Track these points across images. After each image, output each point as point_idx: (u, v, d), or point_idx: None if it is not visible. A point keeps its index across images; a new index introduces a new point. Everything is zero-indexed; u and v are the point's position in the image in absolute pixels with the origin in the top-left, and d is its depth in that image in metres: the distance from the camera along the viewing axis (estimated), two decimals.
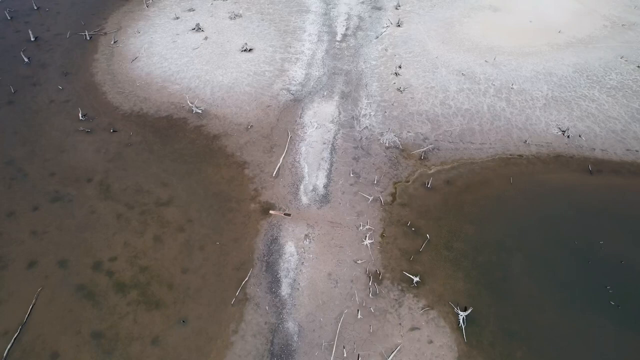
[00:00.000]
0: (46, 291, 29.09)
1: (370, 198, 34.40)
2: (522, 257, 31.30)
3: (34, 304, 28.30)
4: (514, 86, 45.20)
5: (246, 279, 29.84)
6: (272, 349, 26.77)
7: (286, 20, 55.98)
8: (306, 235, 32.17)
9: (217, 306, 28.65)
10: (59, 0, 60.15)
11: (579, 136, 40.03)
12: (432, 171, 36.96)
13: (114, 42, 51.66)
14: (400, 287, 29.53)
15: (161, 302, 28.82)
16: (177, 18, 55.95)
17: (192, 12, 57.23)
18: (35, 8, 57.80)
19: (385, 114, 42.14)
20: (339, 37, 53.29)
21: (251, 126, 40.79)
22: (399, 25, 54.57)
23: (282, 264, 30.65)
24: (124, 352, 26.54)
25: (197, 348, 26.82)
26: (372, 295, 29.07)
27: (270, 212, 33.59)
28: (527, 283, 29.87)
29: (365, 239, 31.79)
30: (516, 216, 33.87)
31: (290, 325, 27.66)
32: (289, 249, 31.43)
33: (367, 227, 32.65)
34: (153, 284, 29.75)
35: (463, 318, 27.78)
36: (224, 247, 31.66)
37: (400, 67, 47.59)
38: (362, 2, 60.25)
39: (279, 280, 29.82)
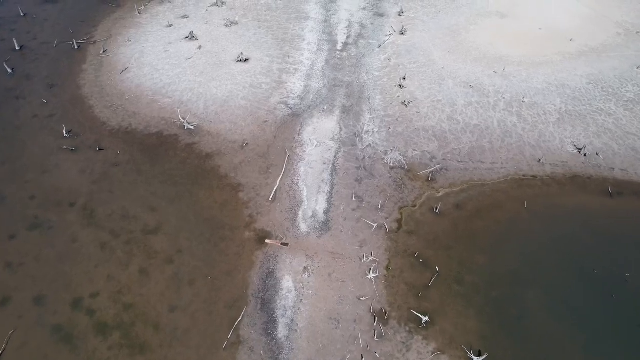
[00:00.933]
0: (19, 333, 26.53)
1: (375, 225, 31.87)
2: (540, 292, 28.78)
3: (4, 349, 25.73)
4: (525, 99, 42.68)
5: (239, 318, 27.32)
6: None
7: (284, 28, 53.41)
8: (305, 268, 29.64)
9: (208, 350, 26.13)
10: (47, 7, 57.51)
11: (597, 154, 37.50)
12: (440, 194, 34.43)
13: (104, 52, 49.08)
14: (408, 328, 27.01)
15: (146, 346, 26.29)
16: (170, 26, 53.38)
17: (186, 20, 54.66)
18: (22, 15, 55.19)
19: (390, 130, 39.59)
20: (339, 46, 50.72)
21: (246, 144, 38.25)
22: (402, 33, 52.02)
23: (278, 301, 28.12)
24: None
25: None
26: (377, 337, 26.56)
27: (267, 241, 31.06)
28: (546, 322, 27.35)
29: (370, 273, 29.26)
30: (531, 244, 31.35)
31: None
32: (287, 284, 28.90)
33: (371, 258, 30.12)
34: (137, 325, 27.21)
35: None
36: (215, 282, 29.13)
37: (404, 78, 45.05)
38: (364, 9, 57.67)
39: (276, 320, 27.29)
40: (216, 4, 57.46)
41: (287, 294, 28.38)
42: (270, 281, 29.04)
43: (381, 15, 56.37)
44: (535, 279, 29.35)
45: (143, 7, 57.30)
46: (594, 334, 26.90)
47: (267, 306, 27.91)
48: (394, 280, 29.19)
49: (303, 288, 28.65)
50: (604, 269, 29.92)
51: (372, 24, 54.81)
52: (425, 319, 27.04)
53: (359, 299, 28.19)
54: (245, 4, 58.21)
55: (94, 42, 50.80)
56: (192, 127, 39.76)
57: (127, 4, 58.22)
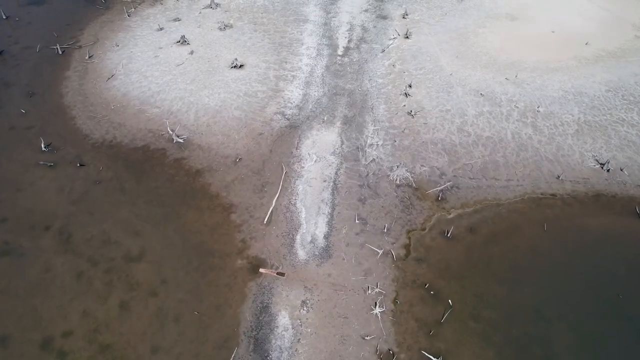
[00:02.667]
0: None
1: (380, 251, 28.83)
2: (566, 329, 25.75)
3: None
4: (540, 109, 39.65)
5: None
6: None
7: (282, 32, 50.35)
8: (303, 302, 26.60)
9: None
10: (32, 9, 54.46)
11: (621, 170, 34.47)
12: (451, 216, 31.39)
13: (89, 57, 46.04)
14: None
15: None
16: (161, 29, 50.33)
17: (177, 23, 51.60)
18: (4, 17, 52.17)
19: (395, 143, 36.54)
20: (340, 51, 47.66)
21: (240, 159, 35.20)
22: (407, 37, 48.96)
23: (273, 341, 25.07)
24: None
25: None
26: None
27: (261, 270, 28.03)
28: None
29: (375, 307, 26.22)
30: (554, 273, 28.32)
31: None
32: (283, 320, 25.85)
33: (377, 290, 27.08)
34: None
35: None
36: (203, 318, 26.07)
37: (410, 86, 42.01)
38: (366, 11, 54.61)
39: None
40: (210, 6, 54.43)
41: (283, 333, 25.33)
42: (264, 317, 26.00)
43: (384, 18, 53.31)
44: (560, 314, 26.32)
45: (133, 9, 54.26)
46: None
47: (260, 347, 24.87)
48: (402, 316, 26.15)
49: (301, 325, 25.61)
50: (636, 301, 26.89)
51: (374, 27, 51.74)
52: None
53: (363, 339, 25.15)
54: (240, 5, 55.17)
55: (80, 47, 47.74)
56: (181, 140, 36.73)
57: (116, 6, 55.18)
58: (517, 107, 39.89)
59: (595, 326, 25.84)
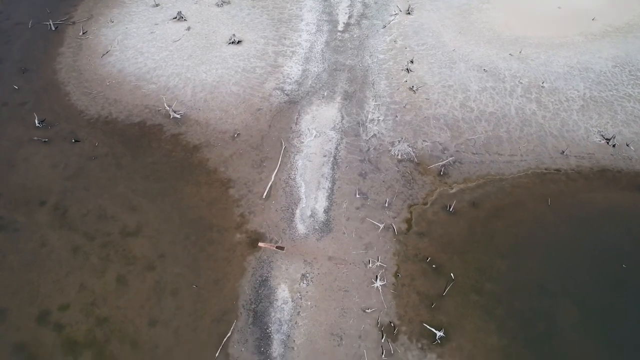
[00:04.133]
0: None
1: (381, 226, 28.33)
2: (570, 304, 25.37)
3: None
4: (544, 84, 38.78)
5: (228, 334, 23.95)
6: None
7: (280, 7, 49.17)
8: (303, 275, 26.18)
9: None
10: None
11: (627, 145, 33.79)
12: (454, 190, 30.82)
13: (83, 33, 44.98)
14: (420, 345, 23.65)
15: None
16: (157, 5, 49.13)
17: None
18: None
19: (397, 118, 35.80)
20: (340, 27, 46.57)
21: (238, 134, 34.50)
22: (409, 13, 47.82)
23: (273, 314, 24.71)
24: None
25: None
26: (385, 356, 23.22)
27: (260, 244, 27.55)
28: (580, 340, 23.98)
29: (376, 280, 25.81)
30: (558, 248, 27.86)
31: None
32: (282, 293, 25.46)
33: (378, 264, 26.65)
34: (113, 342, 23.85)
35: None
36: (202, 292, 25.69)
37: (412, 61, 41.08)
38: None
39: (270, 336, 23.91)
40: None
41: (282, 306, 24.96)
42: (263, 291, 25.60)
43: None
44: (564, 288, 25.92)
45: None
46: (635, 353, 23.56)
47: (259, 320, 24.52)
48: (403, 289, 25.75)
49: (301, 299, 25.22)
50: None
51: (375, 2, 50.51)
52: (439, 334, 23.68)
53: (364, 311, 24.79)
54: None
55: (73, 23, 46.61)
56: (178, 116, 35.99)
57: None
58: (521, 83, 39.03)
59: (600, 300, 25.46)
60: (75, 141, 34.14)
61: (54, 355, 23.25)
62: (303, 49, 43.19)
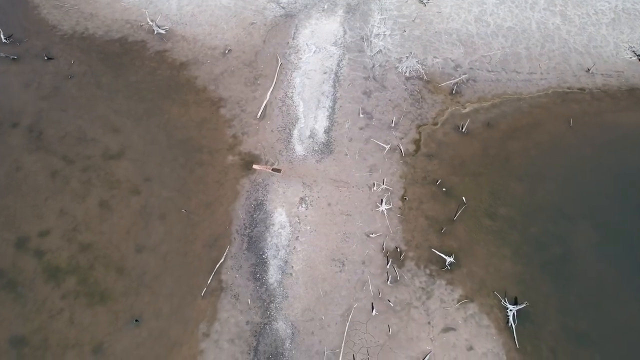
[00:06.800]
0: None
1: (387, 147, 25.86)
2: (590, 228, 23.50)
3: None
4: None
5: (221, 260, 22.24)
6: (256, 359, 19.76)
7: None
8: (302, 198, 24.08)
9: (182, 299, 21.34)
10: None
11: None
12: (467, 110, 28.05)
13: None
14: (428, 271, 22.01)
15: (107, 294, 21.46)
16: None
17: None
18: None
19: (404, 33, 32.19)
20: None
21: (229, 50, 31.11)
22: None
23: (269, 239, 22.87)
24: None
25: (154, 359, 19.81)
26: (391, 282, 21.64)
27: (254, 166, 25.22)
28: (598, 264, 22.34)
29: (381, 204, 23.76)
30: (579, 171, 25.59)
31: (281, 326, 20.50)
32: (279, 218, 23.49)
33: (383, 187, 24.47)
34: (97, 268, 22.21)
35: (513, 314, 20.60)
36: (192, 216, 23.71)
37: None
38: None
39: (266, 262, 22.22)
40: None
41: (279, 230, 23.08)
42: (259, 215, 23.62)
43: None
44: (584, 212, 23.93)
45: None
46: None
47: (255, 245, 22.73)
48: (411, 213, 23.76)
49: (299, 223, 23.29)
50: None
51: None
52: (449, 259, 21.99)
53: (368, 236, 22.94)
54: None
55: None
56: (163, 32, 32.36)
57: None
58: None
59: (620, 224, 23.56)
60: (49, 59, 30.80)
61: (35, 282, 21.66)
62: None
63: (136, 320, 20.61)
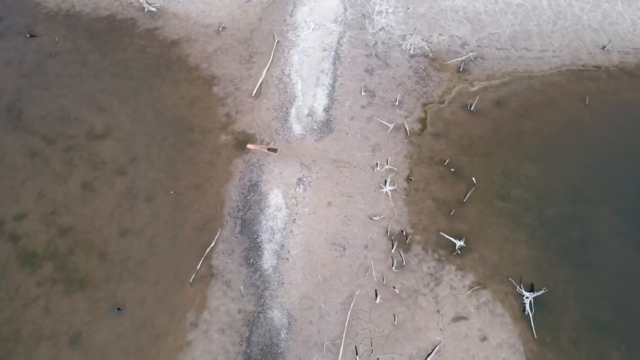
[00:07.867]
0: None
1: (391, 126, 24.14)
2: (609, 211, 21.77)
3: None
4: None
5: (212, 244, 20.50)
6: (248, 351, 18.01)
7: None
8: (299, 179, 22.33)
9: (170, 285, 19.60)
10: None
11: None
12: (475, 88, 26.33)
13: None
14: (437, 256, 20.27)
15: (87, 281, 19.71)
16: None
17: None
18: None
19: (409, 10, 30.50)
20: None
21: (223, 28, 29.41)
22: None
23: (264, 222, 21.12)
24: (28, 358, 17.78)
25: (137, 350, 18.06)
26: (396, 268, 19.89)
27: (249, 146, 23.49)
28: (619, 249, 20.62)
29: (385, 185, 22.02)
30: (597, 151, 23.88)
31: (276, 315, 18.74)
32: (275, 199, 21.74)
33: (387, 167, 22.74)
34: (77, 253, 20.46)
35: (530, 302, 18.85)
36: (181, 198, 21.97)
37: None
38: None
39: (260, 246, 20.46)
40: None
41: (275, 213, 21.33)
42: (253, 196, 21.87)
43: None
44: (603, 195, 22.20)
45: None
46: None
47: (248, 228, 20.97)
48: (417, 195, 22.02)
49: (297, 205, 21.54)
50: None
51: None
52: (459, 243, 20.26)
53: (371, 219, 21.19)
54: None
55: None
56: (153, 9, 30.71)
57: None
58: None
59: None
60: (31, 36, 29.11)
61: (9, 268, 19.91)
62: None
63: (118, 309, 18.86)
